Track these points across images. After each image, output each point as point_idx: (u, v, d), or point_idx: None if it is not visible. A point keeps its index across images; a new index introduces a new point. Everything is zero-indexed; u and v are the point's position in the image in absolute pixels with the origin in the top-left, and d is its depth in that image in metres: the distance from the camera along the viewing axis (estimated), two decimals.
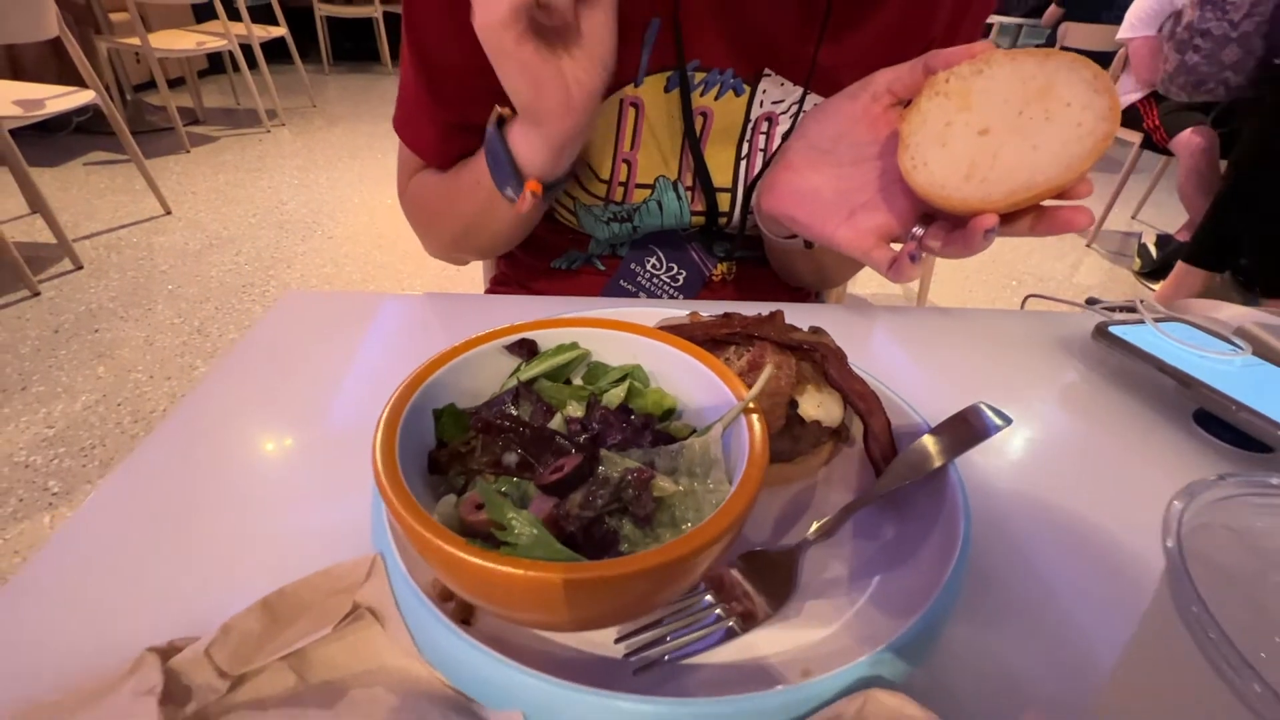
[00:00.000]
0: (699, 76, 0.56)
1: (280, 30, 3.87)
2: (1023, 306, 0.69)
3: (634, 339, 0.36)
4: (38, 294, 2.13)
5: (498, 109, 0.51)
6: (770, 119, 0.59)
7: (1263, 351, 0.52)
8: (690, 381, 0.35)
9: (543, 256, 0.70)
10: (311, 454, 0.41)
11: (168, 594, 0.31)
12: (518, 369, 0.35)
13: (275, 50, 3.83)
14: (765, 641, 0.30)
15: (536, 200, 0.50)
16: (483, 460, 0.29)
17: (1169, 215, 3.15)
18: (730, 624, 0.31)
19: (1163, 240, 2.71)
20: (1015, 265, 2.79)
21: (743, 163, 0.60)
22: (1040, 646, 0.32)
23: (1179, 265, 2.20)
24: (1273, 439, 0.43)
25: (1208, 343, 0.53)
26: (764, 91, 0.57)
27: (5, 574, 1.31)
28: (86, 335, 1.97)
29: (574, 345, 0.36)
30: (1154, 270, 2.65)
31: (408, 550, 0.29)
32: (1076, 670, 0.31)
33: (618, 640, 0.30)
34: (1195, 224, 2.38)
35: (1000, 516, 0.40)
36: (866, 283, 2.50)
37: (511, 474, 0.29)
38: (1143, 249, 2.77)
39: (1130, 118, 2.65)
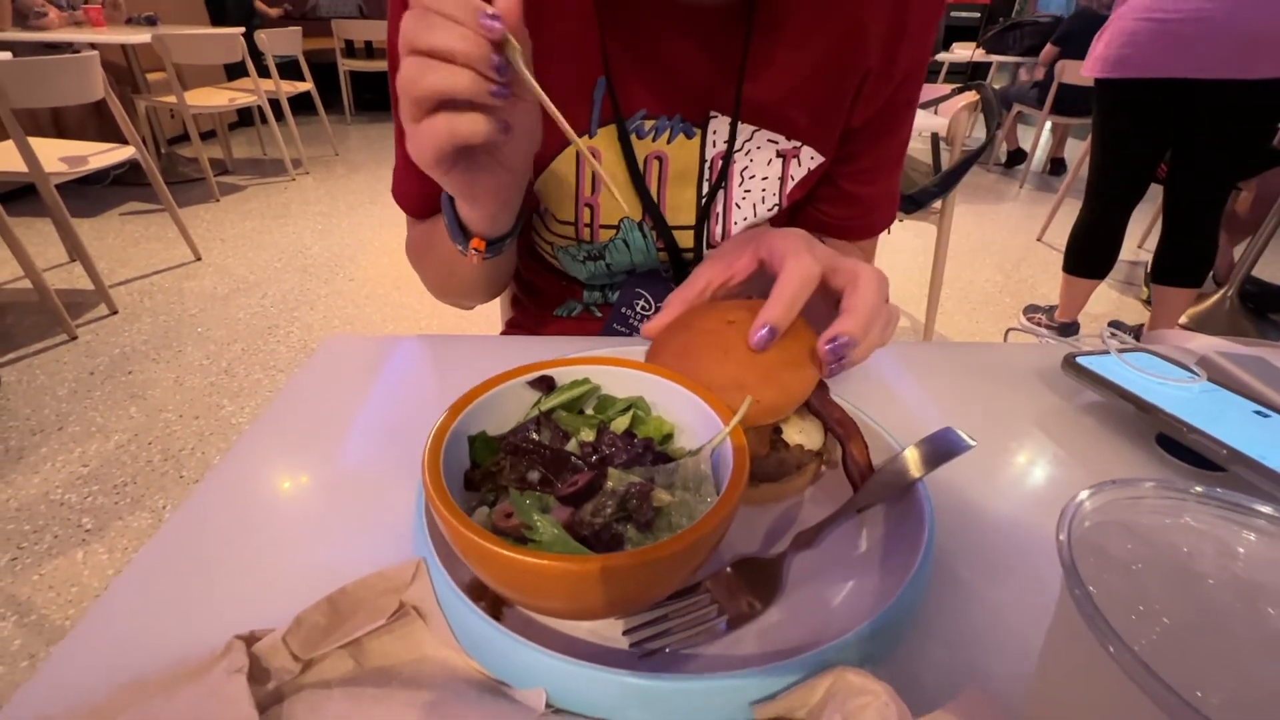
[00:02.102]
0: (649, 124, 0.61)
1: (306, 85, 4.07)
2: (1005, 339, 0.73)
3: (637, 375, 0.42)
4: (75, 338, 2.24)
5: None
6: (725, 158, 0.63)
7: (1219, 378, 0.57)
8: (685, 411, 0.40)
9: (546, 306, 0.77)
10: (361, 479, 0.46)
11: (249, 593, 0.37)
12: (538, 401, 0.41)
13: (300, 102, 4.02)
14: (754, 635, 0.35)
15: (482, 254, 0.55)
16: (511, 478, 0.34)
17: None
18: (724, 620, 0.35)
19: None
20: (1022, 298, 2.83)
21: (703, 200, 0.64)
22: (998, 640, 0.36)
23: (1154, 288, 2.21)
24: (1222, 459, 0.47)
25: (1168, 371, 0.57)
26: (714, 132, 0.61)
27: (40, 608, 1.35)
28: (120, 377, 2.06)
29: (586, 380, 0.42)
30: None
31: (449, 555, 0.34)
32: (1028, 661, 0.35)
33: (625, 633, 0.34)
34: None
35: (971, 530, 0.44)
36: None
37: (535, 489, 0.34)
38: (1149, 277, 2.81)
39: None
